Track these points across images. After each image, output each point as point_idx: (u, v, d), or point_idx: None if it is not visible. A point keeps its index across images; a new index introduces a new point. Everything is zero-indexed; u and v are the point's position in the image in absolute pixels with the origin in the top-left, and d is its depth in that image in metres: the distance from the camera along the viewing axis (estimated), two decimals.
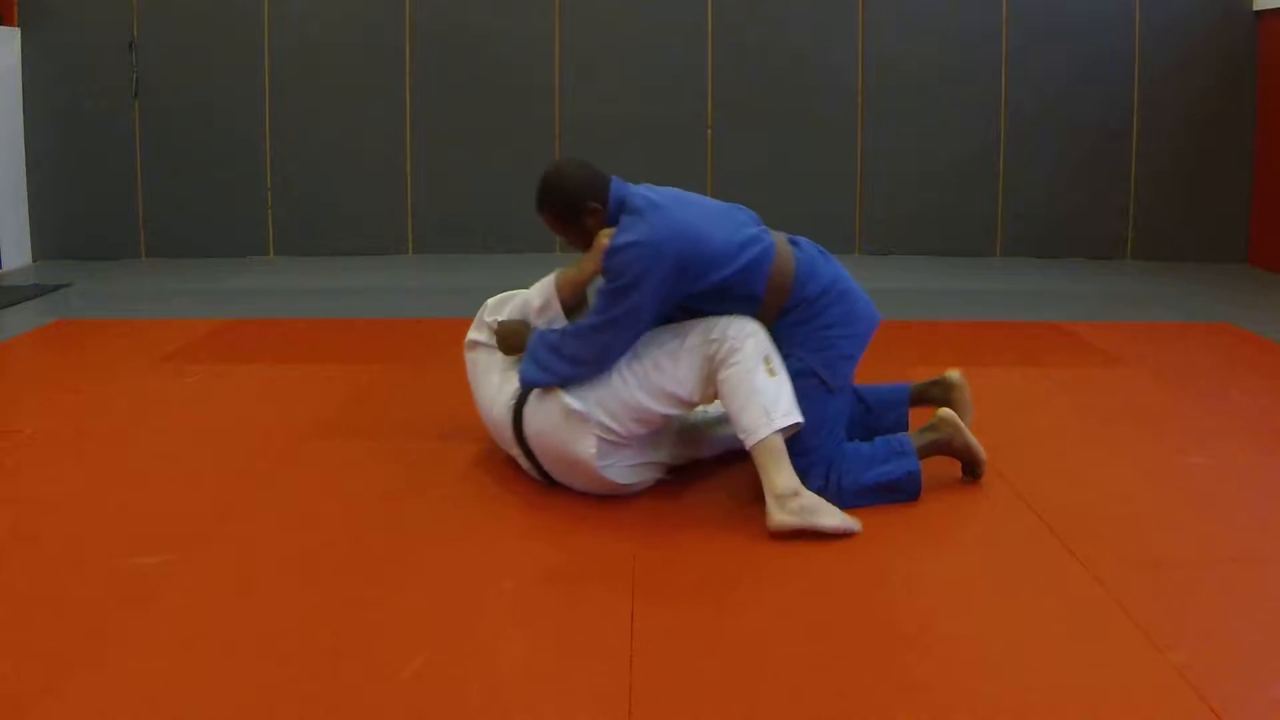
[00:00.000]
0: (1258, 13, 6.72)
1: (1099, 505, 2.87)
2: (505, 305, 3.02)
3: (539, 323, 2.86)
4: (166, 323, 5.07)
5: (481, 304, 3.12)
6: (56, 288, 5.95)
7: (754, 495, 2.89)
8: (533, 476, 2.96)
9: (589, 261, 2.80)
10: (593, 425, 2.72)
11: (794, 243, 2.90)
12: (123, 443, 3.39)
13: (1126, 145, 6.91)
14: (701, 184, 6.90)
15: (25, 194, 6.75)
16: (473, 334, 3.09)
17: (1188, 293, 5.95)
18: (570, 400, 2.73)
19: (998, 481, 3.00)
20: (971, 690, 2.01)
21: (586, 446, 2.73)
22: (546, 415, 2.79)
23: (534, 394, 2.82)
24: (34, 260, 6.80)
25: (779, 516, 2.62)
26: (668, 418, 2.81)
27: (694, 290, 2.75)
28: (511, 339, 2.92)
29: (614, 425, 2.73)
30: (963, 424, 2.95)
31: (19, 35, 6.69)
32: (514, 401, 2.87)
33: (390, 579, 2.46)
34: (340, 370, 4.19)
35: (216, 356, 4.47)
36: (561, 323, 2.83)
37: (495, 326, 2.96)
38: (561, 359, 2.75)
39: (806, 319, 2.81)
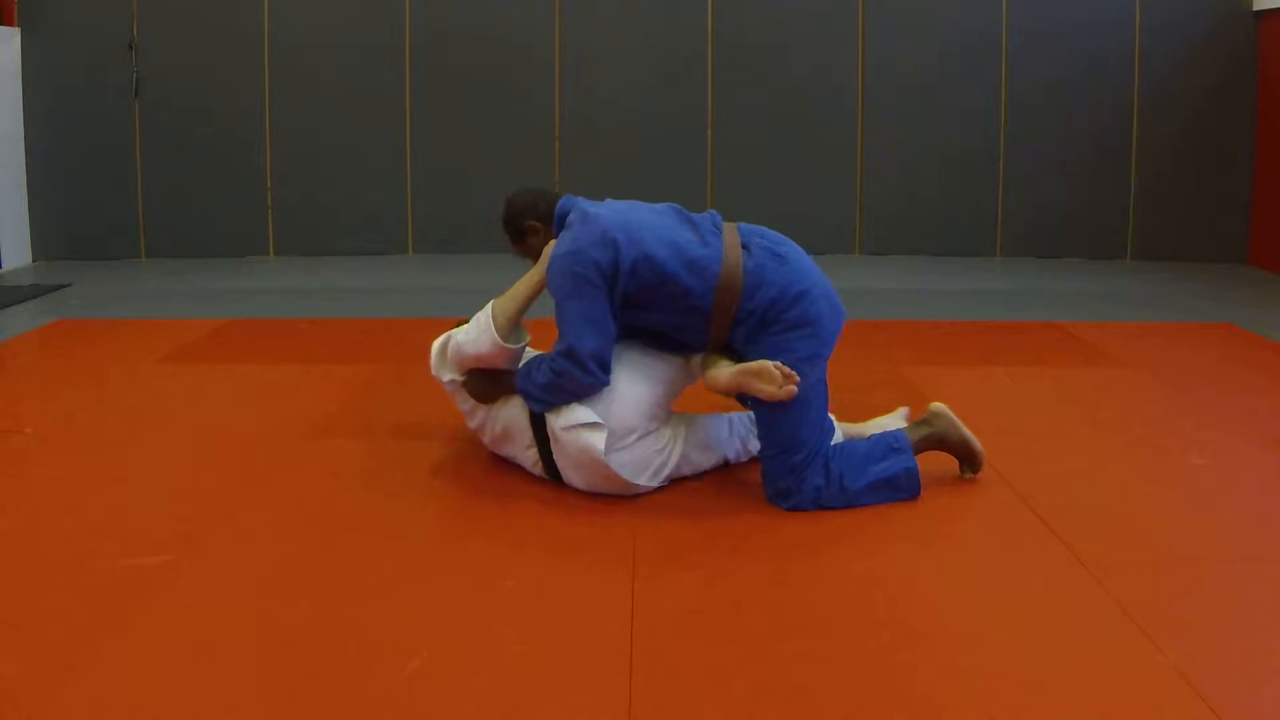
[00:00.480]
0: (1258, 13, 6.72)
1: (1099, 505, 2.87)
2: (444, 356, 3.02)
3: (483, 348, 2.87)
4: (166, 323, 5.07)
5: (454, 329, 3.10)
6: (56, 288, 5.95)
7: (753, 497, 2.90)
8: (535, 474, 2.97)
9: (524, 284, 2.89)
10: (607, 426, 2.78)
11: (745, 247, 2.85)
12: (122, 443, 3.39)
13: (1126, 145, 6.91)
14: (701, 184, 6.91)
15: (25, 194, 6.75)
16: (442, 374, 3.05)
17: (1188, 293, 5.95)
18: (581, 415, 2.77)
19: (998, 481, 3.00)
20: (971, 690, 2.01)
21: (600, 441, 2.77)
22: (563, 436, 2.83)
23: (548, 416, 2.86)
24: (34, 260, 6.80)
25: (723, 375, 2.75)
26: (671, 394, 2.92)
27: (638, 286, 2.76)
28: (487, 389, 2.95)
29: (630, 423, 2.80)
30: (956, 418, 2.96)
31: (19, 35, 6.69)
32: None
33: (390, 578, 2.46)
34: (340, 370, 4.19)
35: (216, 356, 4.47)
36: (495, 349, 2.85)
37: (464, 386, 2.98)
38: (559, 390, 2.78)
39: (761, 328, 2.79)
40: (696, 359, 2.91)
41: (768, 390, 2.68)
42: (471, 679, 2.04)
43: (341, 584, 2.43)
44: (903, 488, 2.85)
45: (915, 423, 2.97)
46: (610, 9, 6.95)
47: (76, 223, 6.89)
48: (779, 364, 2.68)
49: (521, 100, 6.93)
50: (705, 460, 3.02)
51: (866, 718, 1.93)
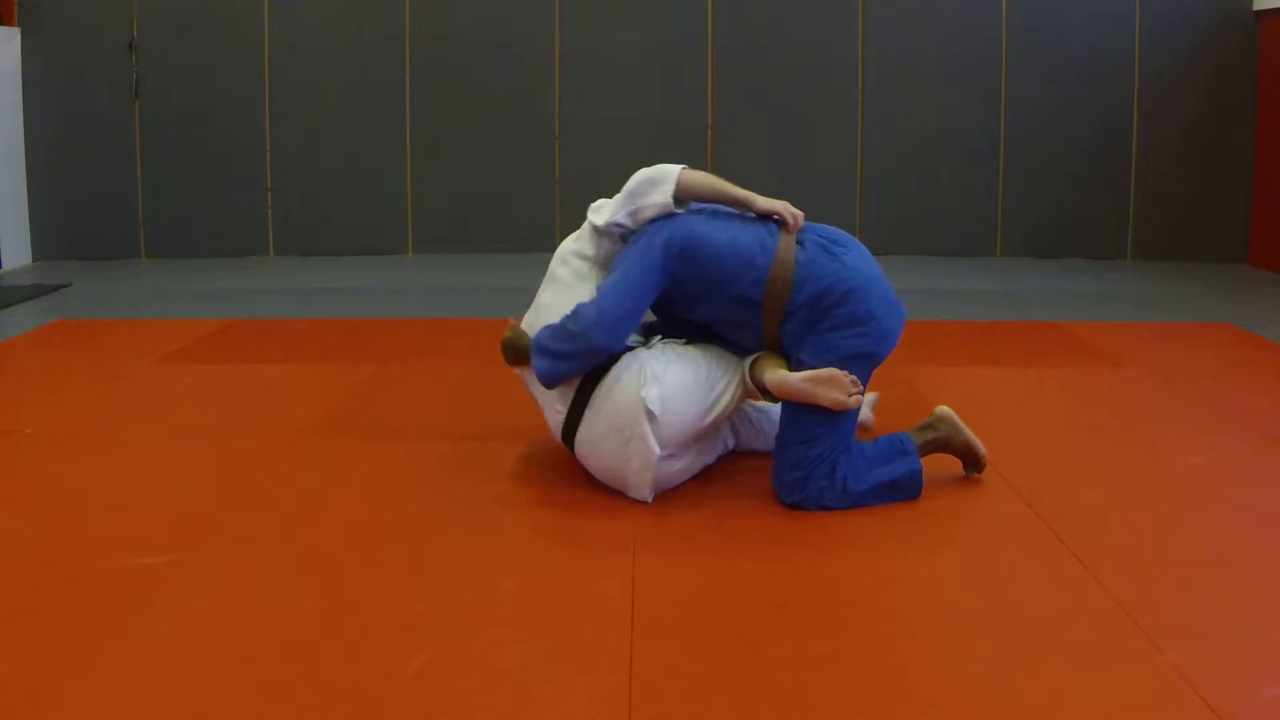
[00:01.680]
0: (1258, 13, 6.72)
1: (1099, 505, 2.87)
2: (604, 207, 3.01)
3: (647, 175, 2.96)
4: (166, 323, 5.08)
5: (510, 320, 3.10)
6: (56, 288, 5.95)
7: (754, 497, 2.90)
8: (553, 433, 2.96)
9: (721, 181, 2.98)
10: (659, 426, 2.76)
11: (800, 243, 2.88)
12: (123, 443, 3.39)
13: (1126, 145, 6.91)
14: None
15: (25, 194, 6.75)
16: (573, 244, 3.03)
17: (1188, 293, 5.95)
18: (651, 400, 2.75)
19: (998, 481, 3.01)
20: (970, 690, 2.02)
21: (649, 443, 2.76)
22: (622, 399, 2.78)
23: (609, 376, 2.81)
24: (34, 260, 6.80)
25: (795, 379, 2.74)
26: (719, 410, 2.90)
27: (691, 273, 2.82)
28: (514, 350, 2.93)
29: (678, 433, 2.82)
30: (961, 421, 2.96)
31: (19, 35, 6.69)
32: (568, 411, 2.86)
33: (390, 578, 2.46)
34: (340, 370, 4.19)
35: (216, 356, 4.47)
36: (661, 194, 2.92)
37: (509, 330, 2.97)
38: (563, 338, 2.74)
39: (810, 322, 2.80)
40: (747, 362, 2.90)
41: (834, 398, 2.71)
42: (471, 679, 2.04)
43: (341, 584, 2.43)
44: (906, 489, 2.86)
45: (920, 426, 2.98)
46: (610, 9, 6.95)
47: (76, 223, 6.88)
48: (849, 373, 2.72)
49: (521, 100, 6.93)
50: (710, 458, 3.04)
51: (867, 717, 1.93)
